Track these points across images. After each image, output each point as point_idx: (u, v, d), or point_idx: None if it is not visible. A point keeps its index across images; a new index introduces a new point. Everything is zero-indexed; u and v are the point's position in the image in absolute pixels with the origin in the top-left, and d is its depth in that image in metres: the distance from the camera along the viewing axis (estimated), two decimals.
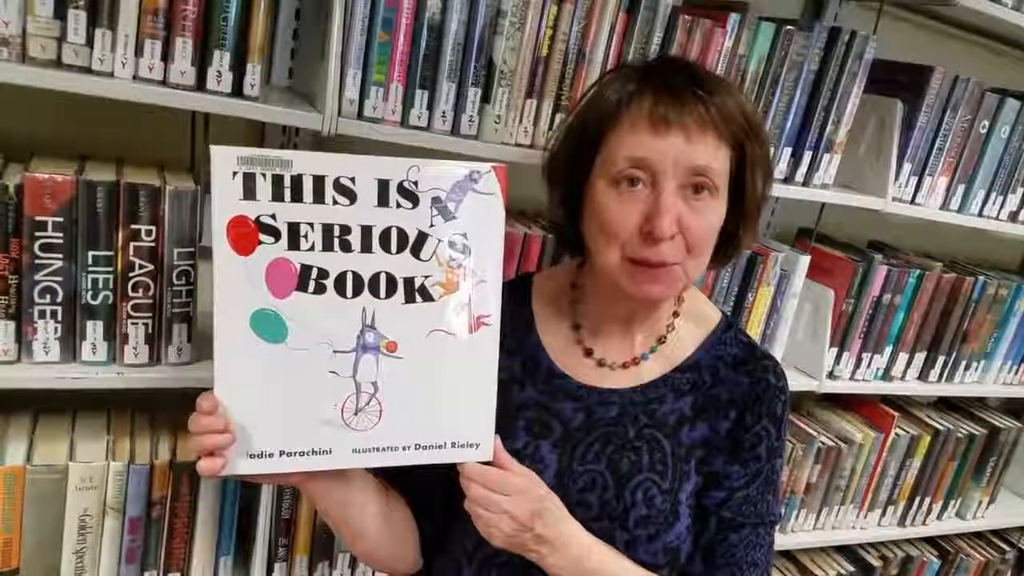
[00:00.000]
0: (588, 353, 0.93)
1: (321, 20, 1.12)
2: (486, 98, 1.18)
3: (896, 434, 1.79)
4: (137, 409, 1.24)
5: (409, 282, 0.77)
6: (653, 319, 0.93)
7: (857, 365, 1.68)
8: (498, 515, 0.80)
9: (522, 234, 1.31)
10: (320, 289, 0.74)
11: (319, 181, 0.73)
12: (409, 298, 0.77)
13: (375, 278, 0.76)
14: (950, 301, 1.72)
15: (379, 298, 0.76)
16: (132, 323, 1.08)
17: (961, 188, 1.64)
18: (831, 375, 1.66)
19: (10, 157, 1.07)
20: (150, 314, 1.08)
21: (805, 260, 1.51)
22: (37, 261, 1.02)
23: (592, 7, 1.19)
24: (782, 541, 1.75)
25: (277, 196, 0.72)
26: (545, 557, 0.83)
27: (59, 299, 1.04)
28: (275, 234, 0.73)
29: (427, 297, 0.78)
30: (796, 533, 1.78)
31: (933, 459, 1.86)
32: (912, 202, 1.60)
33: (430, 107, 1.16)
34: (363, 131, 1.10)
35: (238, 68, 1.03)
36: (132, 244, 1.05)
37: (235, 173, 0.71)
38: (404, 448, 0.80)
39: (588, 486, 0.88)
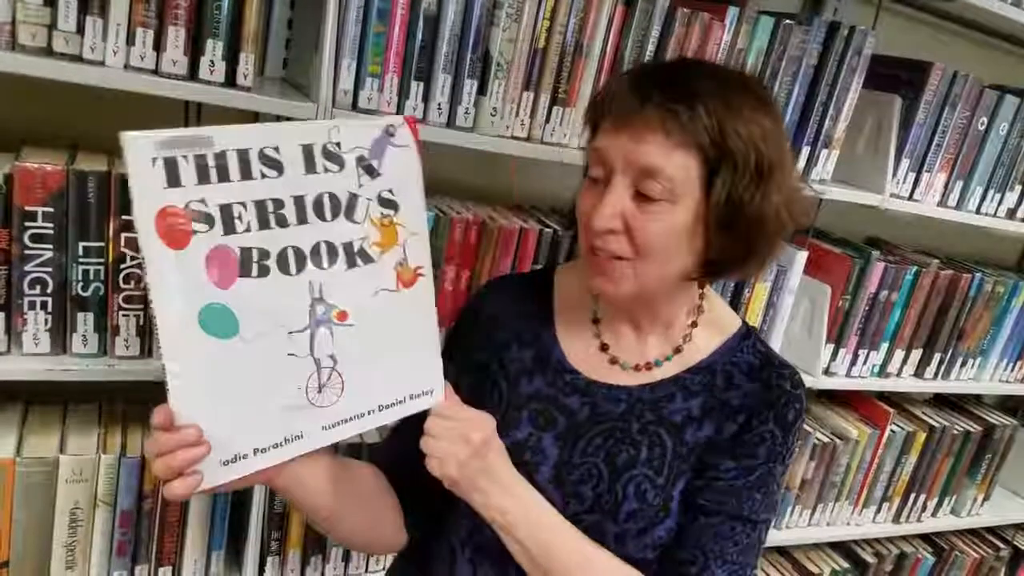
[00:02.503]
0: (604, 348, 0.92)
1: (316, 10, 1.11)
2: (482, 90, 1.18)
3: (892, 431, 1.79)
4: (128, 401, 1.24)
5: (348, 247, 0.75)
6: (664, 324, 0.91)
7: (853, 362, 1.67)
8: (451, 442, 0.80)
9: (518, 227, 1.30)
10: (264, 271, 0.70)
11: (243, 156, 0.68)
12: (351, 263, 0.75)
13: (316, 249, 0.73)
14: (947, 298, 1.72)
15: (323, 269, 0.73)
16: (123, 315, 1.07)
17: (959, 185, 1.64)
18: (827, 371, 1.65)
19: (0, 147, 1.06)
20: (141, 306, 1.07)
21: (802, 256, 1.50)
22: (27, 252, 1.01)
23: None
24: (777, 537, 1.75)
25: (203, 178, 0.66)
26: (491, 497, 0.82)
27: (49, 290, 1.03)
28: (208, 221, 0.67)
29: (367, 259, 0.76)
30: (791, 529, 1.78)
31: (928, 456, 1.86)
32: (910, 198, 1.60)
33: (426, 99, 1.15)
34: None
35: (231, 58, 1.02)
36: (123, 235, 1.04)
37: (154, 160, 0.64)
38: (369, 412, 0.80)
39: (584, 478, 0.87)
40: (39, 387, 1.08)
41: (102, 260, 1.04)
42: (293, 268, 0.72)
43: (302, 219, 0.72)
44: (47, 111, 1.15)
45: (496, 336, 0.95)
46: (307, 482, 0.82)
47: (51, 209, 1.00)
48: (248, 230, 0.69)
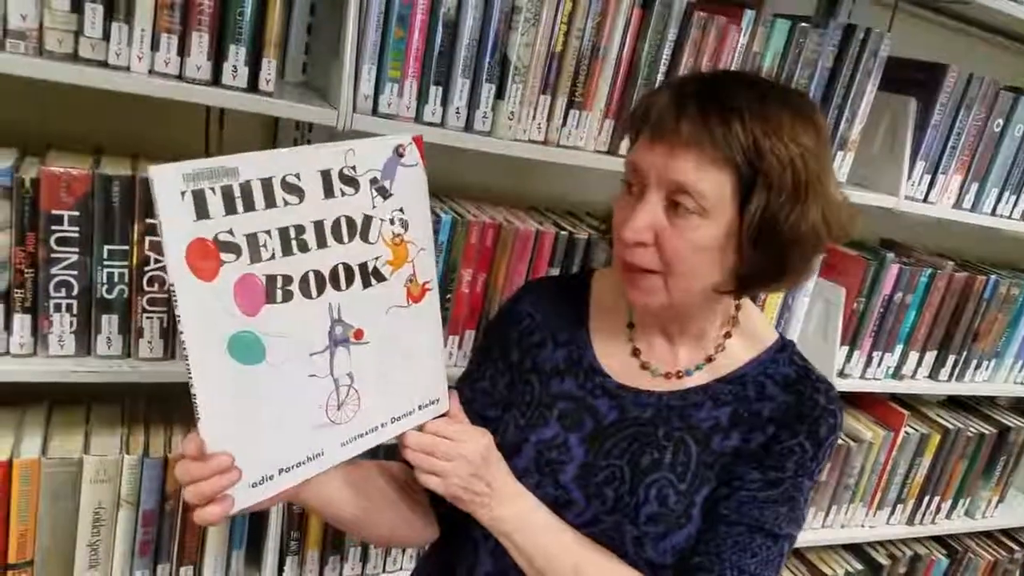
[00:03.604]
0: (636, 353, 0.93)
1: (336, 15, 1.12)
2: (500, 94, 1.18)
3: (906, 433, 1.79)
4: (151, 402, 1.25)
5: (363, 267, 0.77)
6: (695, 334, 0.91)
7: (868, 363, 1.67)
8: (453, 462, 0.81)
9: (534, 230, 1.31)
10: (288, 296, 0.72)
11: (267, 184, 0.69)
12: (366, 283, 0.77)
13: (334, 271, 0.75)
14: (961, 300, 1.72)
15: (341, 290, 0.75)
16: (147, 317, 1.08)
17: (974, 187, 1.64)
18: (842, 373, 1.66)
19: (26, 151, 1.08)
20: (165, 308, 1.08)
21: (817, 258, 1.50)
22: (53, 255, 1.02)
23: (607, 3, 1.19)
24: None
25: (230, 209, 0.67)
26: (491, 509, 0.84)
27: (75, 293, 1.04)
28: (236, 251, 0.68)
29: (380, 277, 0.78)
30: (804, 531, 1.76)
31: (943, 458, 1.86)
32: (925, 200, 1.60)
33: (444, 103, 1.16)
34: (377, 127, 1.10)
35: (253, 63, 1.03)
36: (147, 238, 1.05)
37: (183, 193, 0.64)
38: (383, 425, 0.82)
39: (608, 480, 0.88)
40: (63, 388, 1.09)
41: (126, 263, 1.05)
42: (314, 291, 0.74)
43: (322, 243, 0.73)
44: (72, 115, 1.17)
45: (531, 336, 0.96)
46: (328, 494, 0.84)
47: (76, 213, 1.02)
48: (272, 257, 0.70)
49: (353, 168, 0.74)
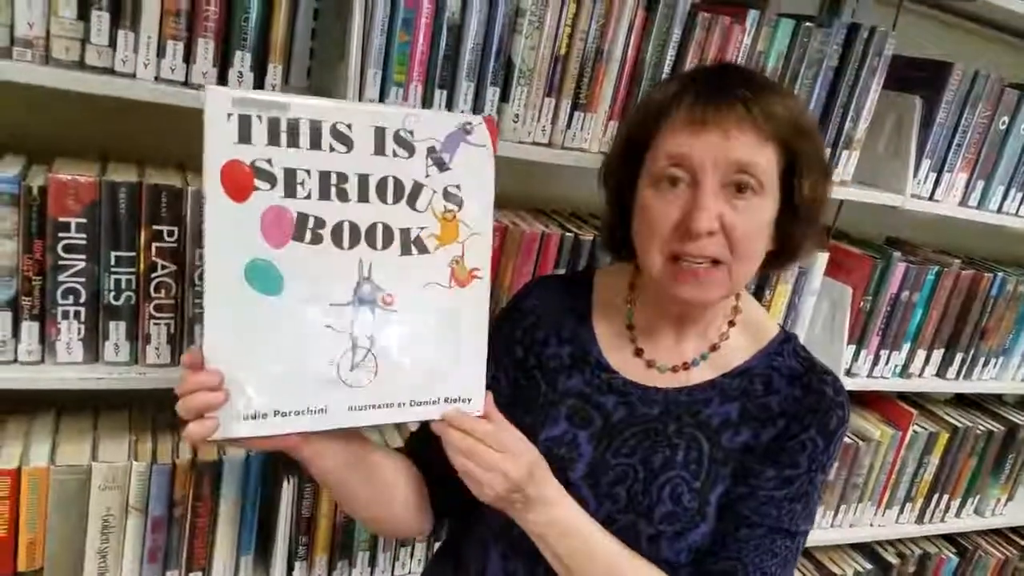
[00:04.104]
0: (638, 353, 0.93)
1: (340, 20, 1.12)
2: (504, 97, 1.18)
3: (914, 431, 1.78)
4: (159, 409, 1.25)
5: (405, 233, 0.75)
6: (704, 324, 0.92)
7: (875, 362, 1.67)
8: (492, 473, 0.78)
9: (540, 232, 1.31)
10: (317, 239, 0.71)
11: (315, 127, 0.70)
12: (405, 250, 0.75)
13: (372, 229, 0.73)
14: (968, 298, 1.71)
15: (376, 249, 0.74)
16: (154, 323, 1.08)
17: (980, 185, 1.63)
18: (849, 372, 1.65)
19: (33, 158, 1.08)
20: (172, 314, 1.09)
21: (823, 257, 1.50)
22: (60, 262, 1.02)
23: (610, 5, 1.19)
24: None
25: (273, 140, 0.68)
26: (525, 513, 0.82)
27: (82, 300, 1.04)
28: (271, 180, 0.69)
29: (423, 249, 0.76)
30: (813, 531, 1.76)
31: (951, 456, 1.85)
32: (931, 198, 1.59)
33: (449, 107, 1.16)
34: None
35: (259, 69, 1.04)
36: (154, 245, 1.05)
37: (230, 115, 0.67)
38: (399, 404, 0.78)
39: (619, 479, 0.88)
40: (71, 395, 1.09)
41: (133, 270, 1.05)
42: (346, 242, 0.73)
43: (363, 197, 0.73)
44: (79, 122, 1.17)
45: (536, 333, 0.95)
46: (327, 461, 0.82)
47: (84, 220, 1.02)
48: (308, 197, 0.70)
49: (411, 132, 0.74)
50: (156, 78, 1.00)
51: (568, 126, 1.24)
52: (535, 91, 1.19)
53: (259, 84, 1.04)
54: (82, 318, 1.05)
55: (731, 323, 0.92)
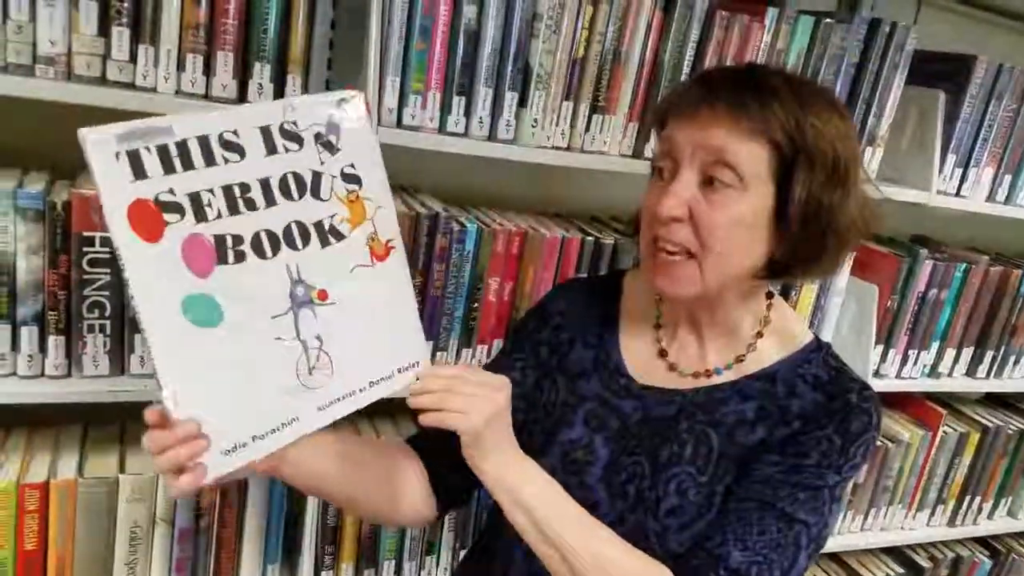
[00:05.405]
0: (663, 354, 0.92)
1: (358, 30, 1.12)
2: (523, 102, 1.18)
3: (944, 432, 1.75)
4: None
5: (319, 225, 0.75)
6: (726, 330, 0.90)
7: (903, 362, 1.64)
8: (477, 397, 0.77)
9: (560, 237, 1.30)
10: (240, 257, 0.70)
11: (204, 142, 0.68)
12: (324, 241, 0.75)
13: (288, 230, 0.73)
14: (997, 295, 1.68)
15: (297, 250, 0.73)
16: None
17: (1007, 179, 1.60)
18: (877, 373, 1.62)
19: (57, 174, 1.09)
20: None
21: (847, 253, 1.48)
22: (85, 276, 1.03)
23: (628, 7, 1.18)
24: (829, 543, 1.71)
25: (168, 168, 0.66)
26: (507, 465, 0.81)
27: (107, 313, 1.05)
28: (179, 210, 0.66)
29: (338, 236, 0.76)
30: (843, 535, 1.74)
31: (983, 457, 1.81)
32: (957, 194, 1.57)
33: (467, 113, 1.15)
34: (403, 139, 1.10)
35: (278, 80, 1.04)
36: None
37: (118, 154, 0.64)
38: (361, 390, 0.79)
39: (630, 477, 0.87)
40: (97, 408, 1.10)
41: None
42: (269, 251, 0.72)
43: (270, 201, 0.72)
44: None
45: (561, 335, 0.96)
46: (310, 467, 0.82)
47: (107, 234, 1.02)
48: (219, 216, 0.69)
49: (295, 123, 0.73)
50: (177, 92, 1.00)
51: (587, 129, 1.23)
52: (553, 95, 1.19)
53: (279, 95, 1.04)
54: (108, 331, 1.06)
55: (759, 334, 0.90)
